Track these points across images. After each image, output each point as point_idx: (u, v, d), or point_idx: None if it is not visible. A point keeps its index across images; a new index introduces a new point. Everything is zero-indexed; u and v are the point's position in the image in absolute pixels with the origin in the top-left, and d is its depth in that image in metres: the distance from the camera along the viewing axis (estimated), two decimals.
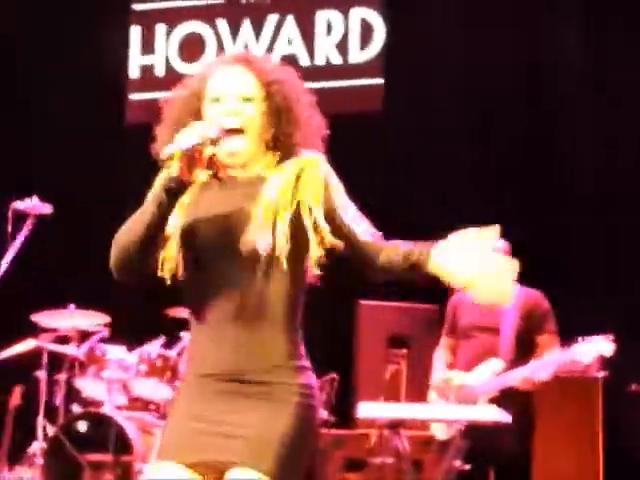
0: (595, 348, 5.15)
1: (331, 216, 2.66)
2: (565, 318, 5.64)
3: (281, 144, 2.73)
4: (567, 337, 5.41)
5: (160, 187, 2.59)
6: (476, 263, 2.53)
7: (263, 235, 2.59)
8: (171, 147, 2.55)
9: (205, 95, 2.73)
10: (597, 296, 6.91)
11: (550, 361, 5.29)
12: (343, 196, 2.72)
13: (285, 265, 2.60)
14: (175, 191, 2.57)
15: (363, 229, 2.69)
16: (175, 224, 2.68)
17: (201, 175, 2.61)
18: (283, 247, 2.60)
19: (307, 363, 2.68)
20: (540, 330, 5.53)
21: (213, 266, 2.64)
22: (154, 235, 2.61)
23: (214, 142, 2.58)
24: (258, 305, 2.61)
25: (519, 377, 5.30)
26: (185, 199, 2.68)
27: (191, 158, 2.55)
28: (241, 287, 2.61)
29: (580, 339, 5.21)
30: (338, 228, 2.66)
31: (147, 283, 2.72)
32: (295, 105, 2.74)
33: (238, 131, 2.65)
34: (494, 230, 2.54)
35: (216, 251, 2.64)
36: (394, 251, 2.65)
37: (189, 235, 2.67)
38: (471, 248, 2.54)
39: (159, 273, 2.71)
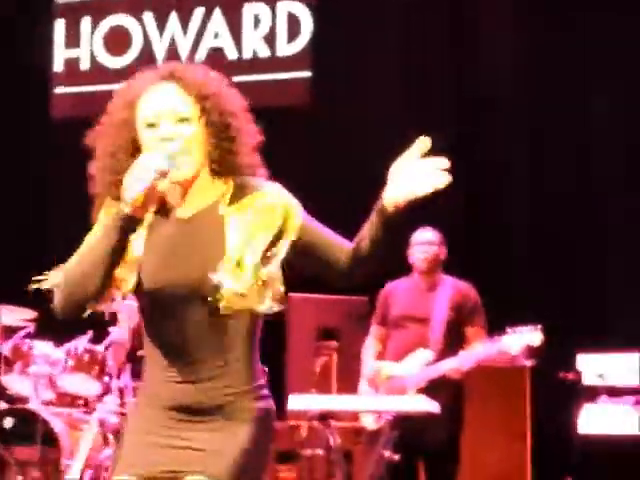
0: (523, 339, 5.22)
1: (304, 243, 2.58)
2: (494, 308, 5.71)
3: (226, 165, 2.57)
4: (496, 327, 5.48)
5: (114, 224, 2.45)
6: (422, 176, 2.45)
7: (231, 282, 2.50)
8: (132, 192, 2.39)
9: (137, 121, 2.55)
10: (524, 286, 6.99)
11: (478, 351, 5.35)
12: (300, 218, 2.60)
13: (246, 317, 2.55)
14: (130, 227, 2.45)
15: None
16: (137, 256, 2.57)
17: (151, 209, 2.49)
18: (251, 294, 2.53)
19: (266, 391, 2.64)
20: (469, 322, 5.59)
21: (172, 305, 2.54)
22: (110, 270, 2.48)
23: (165, 174, 2.44)
24: (218, 341, 2.54)
25: (447, 367, 5.35)
26: (141, 233, 2.57)
27: (148, 196, 2.42)
28: (200, 324, 2.53)
29: (509, 330, 5.28)
30: (312, 249, 2.60)
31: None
32: (233, 119, 2.58)
33: (167, 174, 2.46)
34: (422, 142, 2.47)
35: (176, 291, 2.53)
36: (356, 239, 2.59)
37: (149, 274, 2.56)
38: (411, 168, 2.46)
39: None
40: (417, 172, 2.45)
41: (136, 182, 2.40)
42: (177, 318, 2.54)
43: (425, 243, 5.69)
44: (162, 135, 2.51)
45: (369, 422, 5.55)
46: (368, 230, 2.54)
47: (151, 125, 2.53)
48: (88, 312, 2.57)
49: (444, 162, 2.46)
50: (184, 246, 2.56)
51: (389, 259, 2.59)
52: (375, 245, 2.53)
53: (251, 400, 2.58)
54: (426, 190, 2.45)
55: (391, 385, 5.49)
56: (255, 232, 2.54)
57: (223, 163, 2.57)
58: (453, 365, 5.34)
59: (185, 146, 2.51)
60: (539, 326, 5.22)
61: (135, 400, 2.74)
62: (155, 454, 2.54)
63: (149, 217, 2.56)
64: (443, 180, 2.46)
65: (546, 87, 7.28)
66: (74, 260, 2.56)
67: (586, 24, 7.24)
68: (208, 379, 2.54)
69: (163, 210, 2.59)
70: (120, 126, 2.57)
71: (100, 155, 2.60)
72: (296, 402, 5.11)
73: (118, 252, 2.48)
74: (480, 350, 5.35)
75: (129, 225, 2.45)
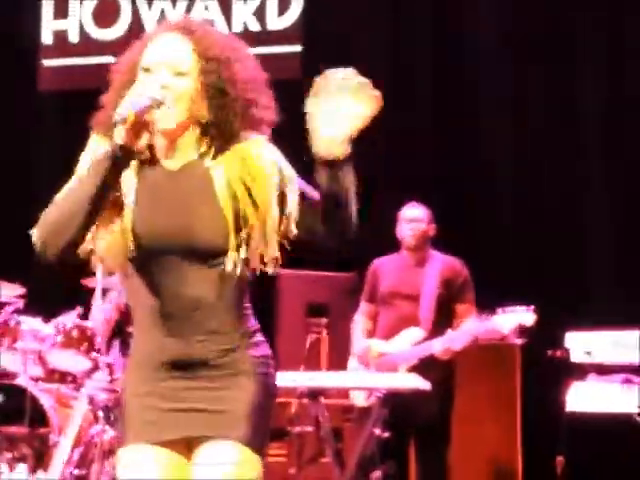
0: (516, 318, 5.21)
1: (284, 200, 2.54)
2: (484, 287, 5.70)
3: (217, 130, 2.54)
4: (482, 305, 5.48)
5: (105, 156, 2.41)
6: (345, 110, 2.37)
7: (224, 238, 2.50)
8: (124, 109, 2.38)
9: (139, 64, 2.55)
10: (513, 265, 6.98)
11: (469, 331, 5.34)
12: (290, 173, 2.58)
13: (239, 265, 2.51)
14: (122, 160, 2.41)
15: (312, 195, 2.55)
16: (129, 206, 2.53)
17: (143, 143, 2.45)
18: (241, 251, 2.51)
19: (261, 337, 2.62)
20: (459, 299, 5.58)
21: (163, 259, 2.51)
22: (95, 210, 2.42)
23: (158, 104, 2.43)
24: (209, 296, 2.51)
25: (438, 347, 5.33)
26: (130, 179, 2.53)
27: (139, 123, 2.40)
28: (191, 281, 2.51)
29: (500, 310, 5.27)
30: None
31: (71, 263, 2.52)
32: (234, 87, 2.54)
33: (161, 105, 2.46)
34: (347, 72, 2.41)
35: (167, 245, 2.51)
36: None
37: (140, 225, 2.52)
38: (328, 105, 2.38)
39: (96, 256, 2.55)
40: (337, 107, 2.38)
41: (130, 103, 2.39)
42: (169, 271, 2.51)
43: (413, 220, 5.67)
44: (152, 81, 2.49)
45: (359, 399, 5.55)
46: (319, 189, 2.50)
47: (147, 70, 2.52)
48: (65, 258, 2.47)
49: (362, 83, 2.41)
50: (174, 199, 2.54)
51: (354, 211, 2.50)
52: (330, 199, 2.48)
53: (248, 348, 2.56)
54: (354, 124, 2.39)
55: (381, 362, 5.49)
56: (244, 184, 2.51)
57: (212, 128, 2.54)
58: (444, 344, 5.33)
59: (174, 98, 2.49)
60: (532, 306, 5.21)
61: (128, 364, 2.69)
62: (161, 420, 2.52)
63: (137, 168, 2.54)
64: (368, 108, 2.40)
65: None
66: (60, 196, 2.51)
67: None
68: (202, 332, 2.52)
69: (152, 162, 2.57)
70: (129, 66, 2.57)
71: (111, 87, 2.60)
72: (285, 379, 5.10)
73: (106, 187, 2.43)
74: (471, 328, 5.34)
75: (122, 155, 2.41)
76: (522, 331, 5.35)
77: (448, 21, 7.57)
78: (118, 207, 2.53)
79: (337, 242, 2.56)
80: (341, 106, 2.38)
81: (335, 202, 2.47)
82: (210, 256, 2.51)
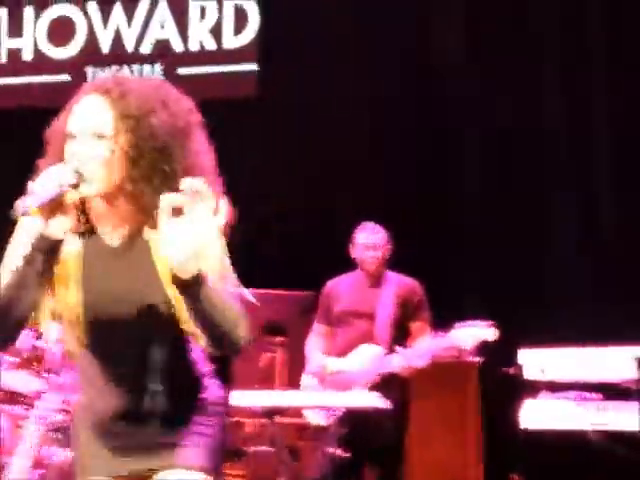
0: (478, 334, 5.23)
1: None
2: (437, 305, 5.71)
3: (146, 188, 2.41)
4: (441, 323, 5.49)
5: (31, 246, 2.37)
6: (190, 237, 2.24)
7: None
8: (27, 201, 2.29)
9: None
10: (467, 281, 7.01)
11: (428, 347, 5.35)
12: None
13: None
14: (49, 247, 2.37)
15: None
16: (75, 282, 2.51)
17: (70, 223, 2.39)
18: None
19: (209, 380, 2.62)
20: (414, 317, 5.59)
21: (106, 337, 2.52)
22: (32, 297, 2.41)
23: (75, 187, 2.35)
24: (153, 355, 2.52)
25: (398, 364, 5.33)
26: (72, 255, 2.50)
27: (52, 209, 2.34)
28: (137, 343, 2.51)
29: (457, 325, 5.28)
30: None
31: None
32: (155, 141, 2.42)
33: (83, 177, 2.37)
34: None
35: (109, 323, 2.50)
36: None
37: (86, 310, 2.51)
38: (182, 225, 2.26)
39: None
40: (178, 228, 2.26)
41: (34, 193, 2.31)
42: (114, 341, 2.50)
43: (370, 247, 5.66)
44: (75, 149, 2.41)
45: (315, 418, 5.53)
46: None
47: (72, 137, 2.43)
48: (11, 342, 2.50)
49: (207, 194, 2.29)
50: (118, 277, 2.50)
51: (234, 324, 2.40)
52: (197, 321, 2.39)
53: (192, 407, 2.57)
54: (201, 239, 2.27)
55: (337, 380, 5.47)
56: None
57: (141, 186, 2.42)
58: (404, 361, 5.33)
59: (98, 163, 2.40)
60: (490, 322, 5.24)
61: (75, 416, 2.67)
62: (116, 456, 2.53)
63: (80, 244, 2.50)
64: (218, 218, 2.31)
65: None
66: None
67: None
68: (146, 392, 2.51)
69: (93, 238, 2.52)
70: (57, 135, 2.49)
71: (46, 156, 2.51)
72: (241, 398, 5.08)
73: (39, 272, 2.39)
74: (431, 344, 5.35)
75: (47, 244, 2.37)
76: (479, 348, 5.37)
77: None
78: (62, 280, 2.50)
79: (222, 352, 2.51)
80: (183, 225, 2.26)
81: (203, 323, 2.39)
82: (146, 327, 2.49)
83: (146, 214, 2.44)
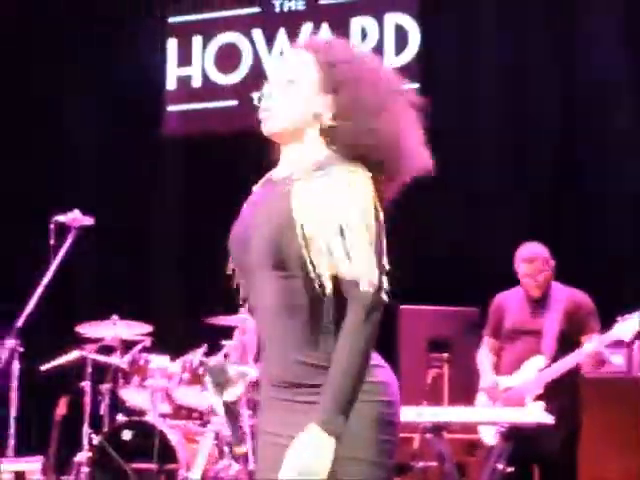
0: (635, 323, 5.17)
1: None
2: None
3: (329, 135, 2.53)
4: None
5: None
6: None
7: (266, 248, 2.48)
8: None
9: None
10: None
11: (593, 347, 5.31)
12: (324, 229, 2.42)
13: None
14: None
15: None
16: None
17: None
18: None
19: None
20: (584, 331, 5.51)
21: (246, 277, 2.58)
22: None
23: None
24: (290, 310, 2.49)
25: (562, 367, 5.30)
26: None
27: None
28: (272, 294, 2.50)
29: (619, 318, 5.23)
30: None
31: None
32: (344, 91, 2.52)
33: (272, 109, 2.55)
34: None
35: (242, 267, 2.57)
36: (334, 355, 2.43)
37: (231, 239, 2.61)
38: None
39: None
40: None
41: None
42: (256, 288, 2.54)
43: (528, 275, 5.59)
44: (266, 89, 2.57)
45: (488, 437, 5.50)
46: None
47: (267, 82, 2.60)
48: None
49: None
50: (254, 209, 2.58)
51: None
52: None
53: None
54: None
55: (509, 397, 5.45)
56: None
57: (324, 132, 2.54)
58: (570, 361, 5.30)
59: (280, 102, 2.54)
60: None
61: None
62: (267, 458, 2.52)
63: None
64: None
65: None
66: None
67: None
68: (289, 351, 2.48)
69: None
70: None
71: None
72: (408, 414, 5.11)
73: None
74: (594, 343, 5.31)
75: None
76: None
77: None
78: None
79: None
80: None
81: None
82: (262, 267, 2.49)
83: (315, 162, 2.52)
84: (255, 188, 2.67)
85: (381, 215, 2.49)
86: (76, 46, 8.75)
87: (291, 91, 2.56)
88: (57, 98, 8.65)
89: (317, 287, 2.43)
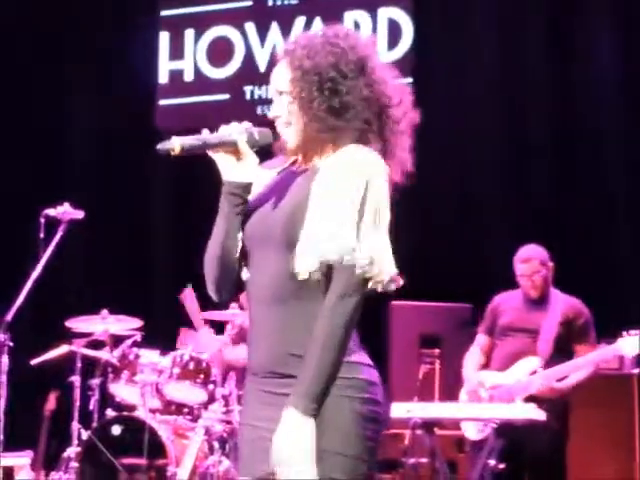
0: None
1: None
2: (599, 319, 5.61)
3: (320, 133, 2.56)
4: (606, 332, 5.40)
5: (221, 198, 2.58)
6: None
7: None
8: (170, 141, 2.57)
9: None
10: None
11: (592, 358, 5.27)
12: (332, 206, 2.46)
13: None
14: (238, 195, 2.56)
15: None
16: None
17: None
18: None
19: None
20: (579, 340, 5.48)
21: (253, 252, 2.57)
22: (227, 252, 2.56)
23: (233, 144, 2.56)
24: (293, 298, 2.49)
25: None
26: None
27: (232, 153, 2.56)
28: (278, 277, 2.50)
29: (624, 333, 5.19)
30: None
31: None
32: (323, 84, 2.55)
33: (253, 136, 2.59)
34: None
35: (254, 238, 2.57)
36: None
37: (245, 220, 2.61)
38: None
39: None
40: None
41: (202, 136, 2.58)
42: (258, 265, 2.55)
43: (525, 276, 5.57)
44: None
45: (471, 432, 5.49)
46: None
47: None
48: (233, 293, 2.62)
49: None
50: (271, 195, 2.59)
51: None
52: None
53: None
54: None
55: (497, 394, 5.43)
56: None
57: (315, 126, 2.55)
58: (567, 371, 5.27)
59: (285, 118, 2.58)
60: None
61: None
62: (254, 453, 2.51)
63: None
64: None
65: None
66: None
67: None
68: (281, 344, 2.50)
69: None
70: None
71: None
72: (399, 410, 5.10)
73: (232, 224, 2.56)
74: (595, 354, 5.28)
75: (236, 191, 2.56)
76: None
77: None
78: None
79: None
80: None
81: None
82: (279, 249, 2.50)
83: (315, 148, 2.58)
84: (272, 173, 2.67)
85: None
86: (76, 46, 8.73)
87: (282, 101, 2.60)
88: (56, 96, 8.62)
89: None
